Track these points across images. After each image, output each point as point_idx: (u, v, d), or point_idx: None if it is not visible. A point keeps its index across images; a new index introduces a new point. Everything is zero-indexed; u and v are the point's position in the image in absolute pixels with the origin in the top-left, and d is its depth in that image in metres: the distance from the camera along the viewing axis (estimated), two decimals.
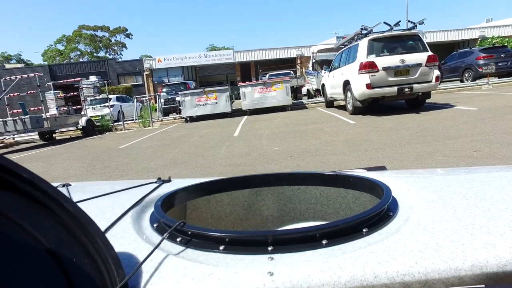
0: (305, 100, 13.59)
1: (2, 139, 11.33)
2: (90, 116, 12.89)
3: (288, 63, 24.43)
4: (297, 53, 25.67)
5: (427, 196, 0.61)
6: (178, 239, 0.54)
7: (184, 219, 0.93)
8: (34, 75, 10.15)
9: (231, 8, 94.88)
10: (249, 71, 26.70)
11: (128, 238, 0.56)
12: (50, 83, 12.14)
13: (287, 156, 4.49)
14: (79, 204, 0.75)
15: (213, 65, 27.31)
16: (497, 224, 0.48)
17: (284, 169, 3.86)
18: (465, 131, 4.78)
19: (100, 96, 16.20)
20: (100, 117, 13.38)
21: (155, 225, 0.60)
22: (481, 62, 13.64)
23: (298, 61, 25.31)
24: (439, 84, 8.88)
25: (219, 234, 0.52)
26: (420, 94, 7.42)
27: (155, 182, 0.88)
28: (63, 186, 0.92)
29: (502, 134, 4.33)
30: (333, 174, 0.78)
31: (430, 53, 7.21)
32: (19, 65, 34.79)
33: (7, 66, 31.08)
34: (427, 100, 7.99)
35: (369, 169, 1.02)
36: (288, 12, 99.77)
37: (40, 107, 10.58)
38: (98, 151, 7.30)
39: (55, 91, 12.23)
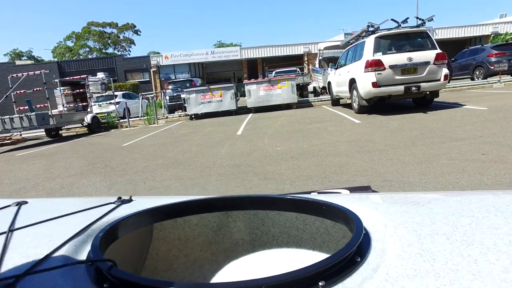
0: (311, 98, 13.43)
1: (10, 136, 11.45)
2: (96, 113, 12.95)
3: (295, 60, 24.21)
4: (304, 50, 25.42)
5: (404, 237, 0.51)
6: (105, 286, 0.45)
7: (150, 240, 0.85)
8: (40, 72, 10.18)
9: (239, 4, 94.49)
10: (256, 68, 26.57)
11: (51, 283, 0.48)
12: (57, 80, 12.20)
13: (289, 157, 4.40)
14: (19, 231, 0.68)
15: (220, 62, 27.23)
16: (483, 285, 0.38)
17: (284, 170, 3.77)
18: (473, 132, 4.62)
19: (106, 93, 16.26)
20: (106, 114, 13.44)
21: (89, 264, 0.52)
22: (493, 59, 13.27)
23: (305, 58, 25.06)
24: (448, 83, 8.67)
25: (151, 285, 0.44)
26: (427, 93, 7.23)
27: (113, 203, 0.80)
28: (17, 204, 0.85)
29: None
30: (306, 200, 0.69)
31: (438, 50, 7.01)
32: (29, 62, 35.22)
33: (18, 62, 31.47)
34: (435, 99, 7.79)
35: (352, 189, 0.93)
36: (296, 8, 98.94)
37: (46, 104, 10.64)
38: (101, 149, 7.30)
39: (62, 88, 12.31)
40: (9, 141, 11.17)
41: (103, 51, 44.80)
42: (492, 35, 24.87)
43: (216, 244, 0.84)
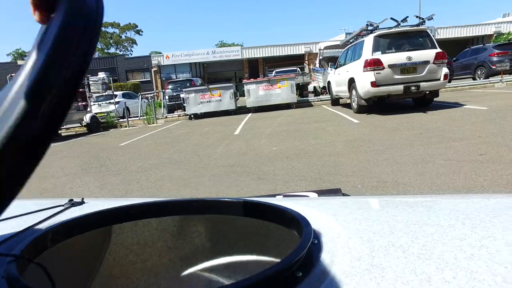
0: (311, 97, 13.35)
1: None
2: (96, 113, 12.93)
3: (296, 60, 24.12)
4: (305, 49, 25.33)
5: (356, 249, 0.45)
6: None
7: (108, 243, 0.80)
8: None
9: (242, 5, 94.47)
10: (257, 68, 26.49)
11: None
12: None
13: (284, 157, 4.34)
14: None
15: (221, 61, 27.18)
16: None
17: (278, 171, 3.71)
18: (472, 132, 4.54)
19: (106, 93, 16.24)
20: (105, 114, 13.41)
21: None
22: (494, 59, 13.16)
23: (306, 58, 24.98)
24: (448, 82, 8.58)
25: None
26: (427, 92, 7.14)
27: (63, 205, 0.75)
28: None
29: (511, 136, 4.09)
30: (260, 204, 0.64)
31: (438, 50, 6.92)
32: None
33: (20, 62, 31.56)
34: (435, 99, 7.70)
35: (322, 192, 0.87)
36: (299, 9, 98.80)
37: None
38: (98, 149, 7.26)
39: None
40: None
41: (105, 50, 44.88)
42: (494, 35, 24.67)
43: (176, 249, 0.78)
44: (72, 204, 0.75)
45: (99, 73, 22.24)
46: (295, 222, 0.56)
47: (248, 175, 3.69)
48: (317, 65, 14.68)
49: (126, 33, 47.19)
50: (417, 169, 3.24)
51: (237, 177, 3.65)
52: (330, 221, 0.57)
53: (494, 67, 13.05)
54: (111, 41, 46.10)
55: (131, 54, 43.29)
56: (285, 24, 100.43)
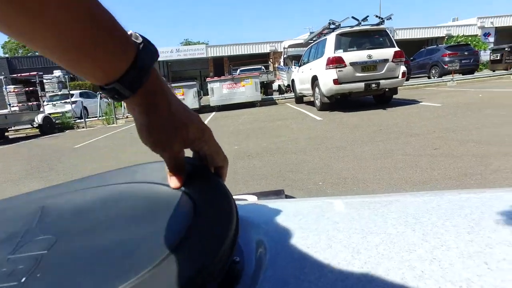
0: (275, 96, 13.38)
1: None
2: (50, 113, 12.09)
3: (262, 58, 24.17)
4: (270, 48, 25.47)
5: (284, 270, 0.35)
6: None
7: None
8: None
9: (207, 2, 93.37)
10: (222, 67, 26.22)
11: None
12: (1, 77, 11.24)
13: (246, 155, 4.24)
14: None
15: (186, 60, 26.62)
16: None
17: (239, 169, 3.59)
18: (427, 128, 4.70)
19: (61, 92, 15.27)
20: (60, 114, 12.59)
21: None
22: (446, 59, 13.97)
23: (271, 57, 25.11)
24: (406, 80, 8.92)
25: None
26: (387, 90, 7.36)
27: None
28: None
29: (462, 131, 4.27)
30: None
31: (397, 48, 7.15)
32: None
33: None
34: (394, 96, 7.97)
35: (263, 194, 0.77)
36: (264, 7, 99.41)
37: None
38: (50, 151, 6.75)
39: (11, 86, 11.36)
40: None
41: None
42: (446, 37, 26.26)
43: None
44: None
45: (55, 71, 20.84)
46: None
47: None
48: (282, 63, 14.76)
49: None
50: (376, 164, 3.26)
51: None
52: (260, 232, 0.46)
53: (446, 66, 13.85)
54: None
55: None
56: (251, 24, 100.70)
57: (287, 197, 0.76)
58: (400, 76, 7.11)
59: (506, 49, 14.15)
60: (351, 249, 0.38)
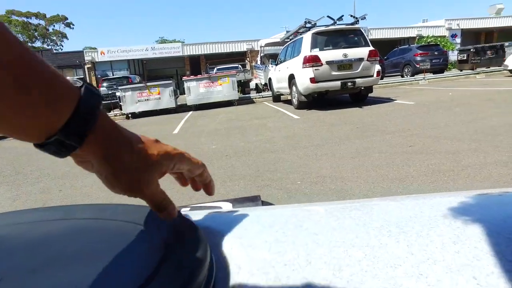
0: (253, 94, 13.34)
1: None
2: None
3: (239, 57, 24.06)
4: (247, 47, 25.38)
5: None
6: None
7: None
8: None
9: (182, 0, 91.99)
10: (199, 65, 25.88)
11: None
12: None
13: (223, 155, 4.16)
14: None
15: (161, 58, 26.07)
16: None
17: (217, 170, 3.51)
18: (402, 126, 4.80)
19: None
20: None
21: None
22: (418, 58, 14.45)
23: (248, 55, 25.05)
24: (381, 79, 9.13)
25: None
26: (362, 88, 7.48)
27: None
28: None
29: (434, 128, 4.39)
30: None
31: (371, 48, 7.28)
32: None
33: None
34: (370, 95, 8.12)
35: (238, 201, 0.71)
36: (241, 6, 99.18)
37: None
38: (16, 154, 6.38)
39: None
40: None
41: (29, 44, 40.40)
42: (417, 37, 27.17)
43: None
44: None
45: None
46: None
47: None
48: (259, 62, 14.73)
49: (54, 26, 42.96)
50: (354, 162, 3.28)
51: (170, 179, 3.38)
52: (232, 247, 0.40)
53: (418, 65, 14.31)
54: (36, 33, 41.64)
55: (62, 49, 39.62)
56: (228, 22, 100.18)
57: (263, 203, 0.71)
58: (375, 75, 7.24)
59: (472, 50, 14.80)
60: (332, 266, 0.33)
